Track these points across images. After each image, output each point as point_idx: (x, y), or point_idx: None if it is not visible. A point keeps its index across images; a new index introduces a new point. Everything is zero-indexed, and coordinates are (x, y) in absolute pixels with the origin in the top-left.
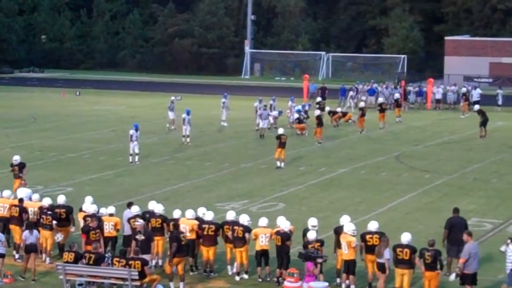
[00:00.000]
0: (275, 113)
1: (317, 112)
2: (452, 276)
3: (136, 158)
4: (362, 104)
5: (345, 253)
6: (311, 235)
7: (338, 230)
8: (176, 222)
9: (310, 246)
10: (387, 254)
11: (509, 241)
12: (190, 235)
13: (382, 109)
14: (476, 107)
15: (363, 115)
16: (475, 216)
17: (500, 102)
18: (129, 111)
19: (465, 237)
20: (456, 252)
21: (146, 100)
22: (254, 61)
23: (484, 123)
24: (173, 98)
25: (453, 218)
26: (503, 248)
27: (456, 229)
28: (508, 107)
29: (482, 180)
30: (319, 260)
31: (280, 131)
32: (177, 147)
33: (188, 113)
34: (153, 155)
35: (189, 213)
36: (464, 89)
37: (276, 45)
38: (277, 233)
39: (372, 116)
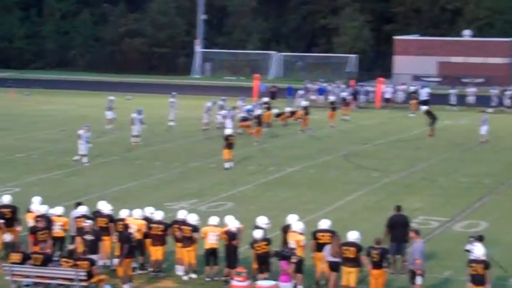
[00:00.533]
0: (224, 112)
1: (258, 111)
2: (419, 280)
3: (85, 159)
4: (304, 103)
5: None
6: (258, 234)
7: (285, 229)
8: (126, 222)
9: (256, 245)
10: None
11: (471, 239)
12: (137, 235)
13: (333, 107)
14: (424, 108)
15: (306, 114)
16: (421, 214)
17: (454, 102)
18: (79, 110)
19: (412, 234)
20: (395, 249)
21: (96, 99)
22: (205, 60)
23: (433, 122)
24: (110, 97)
25: (394, 216)
26: (468, 247)
27: (397, 227)
28: (458, 106)
29: (429, 178)
30: (293, 259)
31: (228, 131)
32: (126, 146)
33: (139, 112)
34: (103, 155)
35: (137, 212)
36: (412, 88)
37: (227, 45)
38: (226, 232)
39: (322, 115)
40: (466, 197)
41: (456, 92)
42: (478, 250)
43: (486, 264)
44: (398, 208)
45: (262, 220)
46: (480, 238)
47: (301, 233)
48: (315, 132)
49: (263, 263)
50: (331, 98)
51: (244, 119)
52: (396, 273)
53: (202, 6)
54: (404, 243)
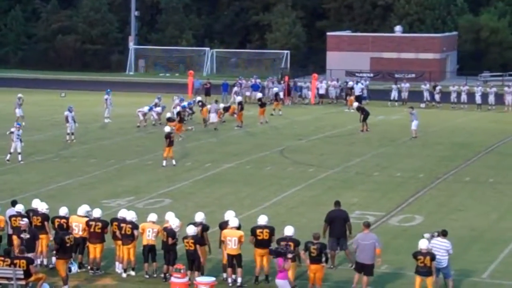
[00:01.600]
0: (158, 109)
1: (178, 108)
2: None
3: (19, 157)
4: (239, 98)
5: (231, 248)
6: (190, 230)
7: (223, 225)
8: (66, 220)
9: (185, 240)
10: None
11: (436, 233)
12: (82, 233)
13: (262, 103)
14: (355, 104)
15: (241, 109)
16: (358, 209)
17: (395, 98)
18: (12, 108)
19: (363, 228)
20: (336, 244)
21: (29, 97)
22: (138, 57)
23: (365, 118)
24: (19, 95)
25: (333, 211)
26: (431, 243)
27: (336, 222)
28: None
29: (364, 173)
30: (290, 256)
31: (167, 129)
32: (62, 144)
33: (70, 110)
34: (38, 152)
35: (82, 210)
36: (351, 83)
37: (160, 41)
38: (165, 229)
39: (256, 111)
40: (401, 191)
41: (396, 88)
42: (422, 243)
43: (432, 256)
44: (338, 203)
45: (199, 216)
46: (444, 233)
47: (238, 228)
48: (250, 128)
49: (193, 261)
50: (259, 95)
51: (170, 119)
52: (335, 268)
53: (134, 2)
54: (344, 238)
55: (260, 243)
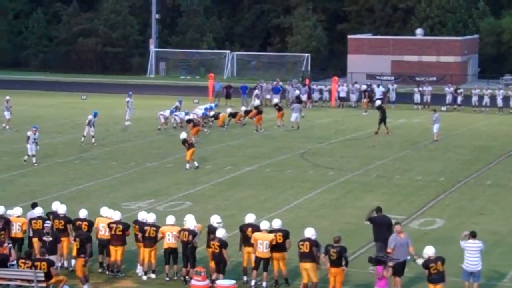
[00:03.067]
0: (182, 114)
1: (191, 116)
2: (420, 260)
3: (34, 159)
4: (257, 102)
5: (262, 251)
6: (220, 233)
7: (243, 228)
8: (87, 222)
9: (211, 243)
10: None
11: (466, 233)
12: (108, 235)
13: (279, 108)
14: (377, 102)
15: (258, 113)
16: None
17: (418, 101)
18: (33, 110)
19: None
20: (383, 250)
21: (50, 99)
22: (159, 60)
23: (383, 120)
24: (7, 98)
25: (378, 217)
26: (462, 245)
27: (381, 228)
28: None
29: (385, 176)
30: (391, 264)
31: (183, 135)
32: (82, 147)
33: (95, 115)
34: (59, 155)
35: (107, 212)
36: (364, 87)
37: (181, 44)
38: (185, 229)
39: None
40: (422, 195)
41: (418, 91)
42: (429, 250)
43: (442, 260)
44: (379, 209)
45: (216, 219)
46: (473, 234)
47: (269, 232)
48: (270, 131)
49: (218, 263)
50: (275, 100)
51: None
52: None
53: (155, 5)
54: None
55: (275, 247)
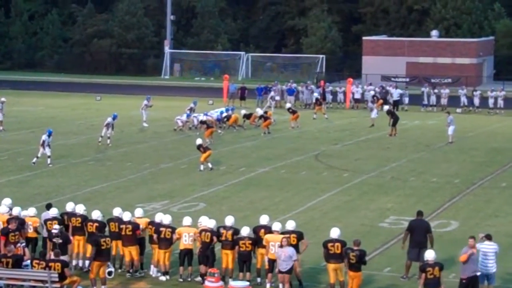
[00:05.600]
0: (201, 116)
1: (203, 117)
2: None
3: (48, 160)
4: (288, 105)
5: (274, 252)
6: (245, 231)
7: (257, 230)
8: (98, 224)
9: (241, 242)
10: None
11: (482, 237)
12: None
13: (292, 111)
14: (386, 108)
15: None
16: (392, 214)
17: (433, 103)
18: (48, 111)
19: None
20: (417, 255)
21: (65, 100)
22: (173, 61)
23: (394, 122)
24: (2, 99)
25: (415, 221)
26: (478, 246)
27: (417, 232)
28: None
29: (399, 178)
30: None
31: (198, 141)
32: (97, 148)
33: (114, 117)
34: (73, 155)
35: (138, 212)
36: (372, 92)
37: (195, 45)
38: (205, 230)
39: (289, 116)
40: (437, 197)
41: (433, 93)
42: (429, 254)
43: (440, 266)
44: (420, 213)
45: (229, 220)
46: (488, 237)
47: (282, 233)
48: (284, 132)
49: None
50: (288, 105)
51: (203, 123)
52: (407, 279)
53: (170, 6)
54: (425, 248)
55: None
